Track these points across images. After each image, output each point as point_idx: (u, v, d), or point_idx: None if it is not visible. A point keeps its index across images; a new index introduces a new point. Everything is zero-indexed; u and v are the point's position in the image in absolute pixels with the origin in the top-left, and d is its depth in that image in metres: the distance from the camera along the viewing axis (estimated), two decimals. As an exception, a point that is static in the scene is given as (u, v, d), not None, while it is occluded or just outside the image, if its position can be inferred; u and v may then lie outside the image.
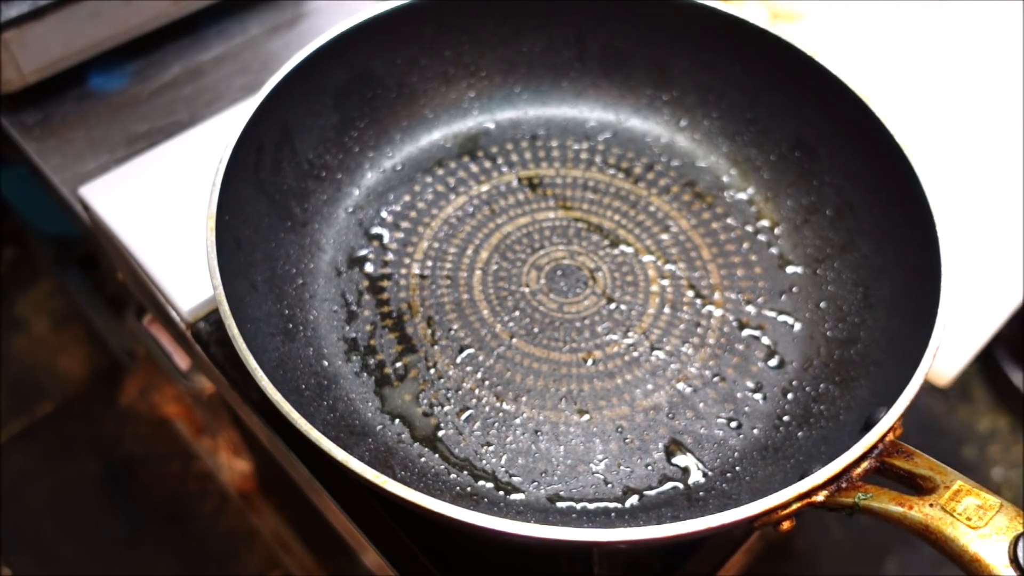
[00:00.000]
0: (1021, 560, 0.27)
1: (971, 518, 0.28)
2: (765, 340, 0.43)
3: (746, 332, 0.44)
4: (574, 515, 0.38)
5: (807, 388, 0.41)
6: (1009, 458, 0.98)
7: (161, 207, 0.50)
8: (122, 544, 0.92)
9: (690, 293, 0.45)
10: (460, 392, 0.41)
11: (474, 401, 0.41)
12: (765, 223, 0.48)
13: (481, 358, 0.42)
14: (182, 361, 0.61)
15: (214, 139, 0.55)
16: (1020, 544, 0.27)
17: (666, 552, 0.42)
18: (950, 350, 0.53)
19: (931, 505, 0.29)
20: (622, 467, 0.39)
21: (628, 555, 0.41)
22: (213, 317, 0.47)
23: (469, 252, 0.46)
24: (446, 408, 0.41)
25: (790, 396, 0.41)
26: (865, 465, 0.31)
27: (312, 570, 0.85)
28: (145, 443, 0.99)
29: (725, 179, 0.50)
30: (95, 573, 0.90)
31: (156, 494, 0.95)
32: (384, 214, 0.48)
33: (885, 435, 0.31)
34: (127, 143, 0.57)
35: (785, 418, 0.40)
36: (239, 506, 0.94)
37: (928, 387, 0.60)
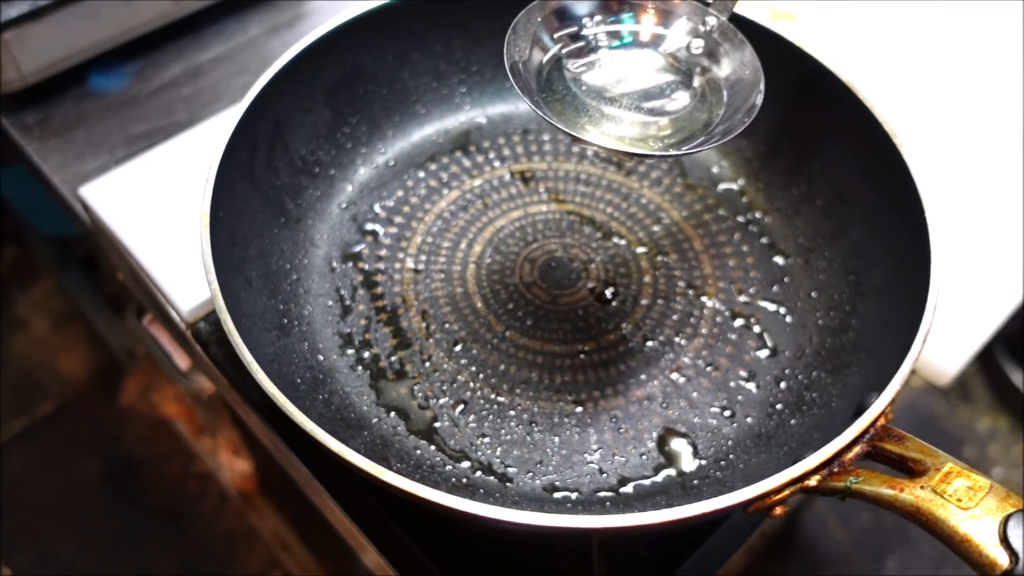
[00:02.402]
0: (1011, 539, 0.27)
1: (961, 499, 0.28)
2: (757, 329, 0.43)
3: (739, 322, 0.44)
4: (569, 504, 0.38)
5: (799, 376, 0.41)
6: (1009, 458, 0.98)
7: (161, 207, 0.51)
8: (122, 544, 0.92)
9: (682, 284, 0.45)
10: (455, 385, 0.41)
11: (469, 393, 0.41)
12: (756, 214, 0.48)
13: (476, 351, 0.43)
14: (182, 361, 0.61)
15: (213, 139, 0.55)
16: (1010, 523, 0.27)
17: (666, 551, 0.42)
18: (950, 349, 0.52)
19: (922, 487, 0.29)
20: (617, 456, 0.39)
21: (628, 553, 0.41)
22: (213, 317, 0.47)
23: (463, 246, 0.47)
24: (441, 401, 0.41)
25: (783, 384, 0.41)
26: (857, 449, 0.32)
27: (312, 570, 0.85)
28: (145, 443, 0.99)
29: (716, 170, 0.50)
30: (95, 573, 0.90)
31: (156, 494, 0.96)
32: (377, 209, 0.48)
33: (876, 420, 0.32)
34: (127, 143, 0.57)
35: (778, 406, 0.41)
36: (239, 506, 0.94)
37: (928, 387, 0.60)
